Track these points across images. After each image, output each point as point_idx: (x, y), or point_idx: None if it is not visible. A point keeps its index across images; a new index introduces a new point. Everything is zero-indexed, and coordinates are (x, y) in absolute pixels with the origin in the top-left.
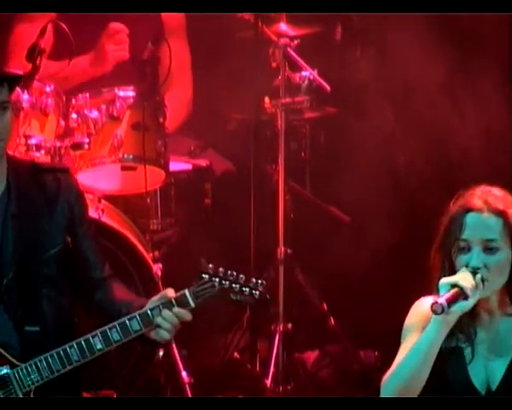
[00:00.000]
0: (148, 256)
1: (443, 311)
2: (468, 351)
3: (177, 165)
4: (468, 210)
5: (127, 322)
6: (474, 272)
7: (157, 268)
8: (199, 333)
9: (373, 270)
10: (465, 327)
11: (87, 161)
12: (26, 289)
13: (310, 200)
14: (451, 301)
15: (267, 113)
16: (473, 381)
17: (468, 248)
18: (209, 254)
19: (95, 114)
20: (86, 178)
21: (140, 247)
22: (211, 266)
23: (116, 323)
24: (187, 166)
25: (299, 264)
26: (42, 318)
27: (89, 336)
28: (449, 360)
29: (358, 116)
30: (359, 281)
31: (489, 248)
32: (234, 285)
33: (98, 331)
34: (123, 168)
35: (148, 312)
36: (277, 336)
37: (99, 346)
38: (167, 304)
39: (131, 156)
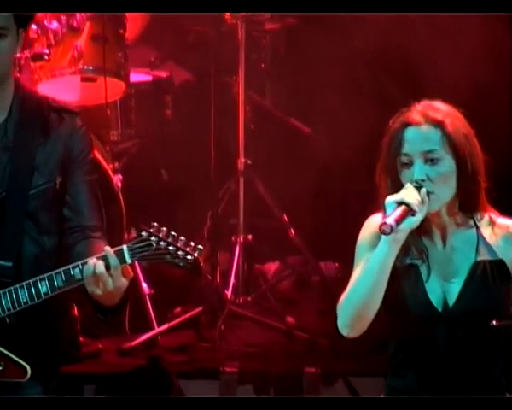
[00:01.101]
0: (109, 167)
1: (392, 231)
2: (423, 268)
3: (138, 76)
4: (407, 125)
5: (71, 270)
6: (418, 187)
7: (117, 179)
8: None
9: (332, 181)
10: (418, 244)
11: (47, 72)
12: (5, 223)
13: (270, 111)
14: (399, 220)
15: (227, 24)
16: (430, 297)
17: (410, 163)
18: (168, 165)
19: (55, 25)
20: (46, 89)
21: (101, 158)
22: (155, 224)
23: (61, 269)
24: (147, 78)
25: (259, 175)
26: (18, 254)
27: (37, 278)
28: (405, 277)
29: (318, 27)
30: (319, 192)
31: (430, 160)
32: (170, 247)
33: (45, 275)
34: (83, 79)
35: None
36: (238, 248)
37: (44, 290)
38: (101, 258)
39: (91, 68)
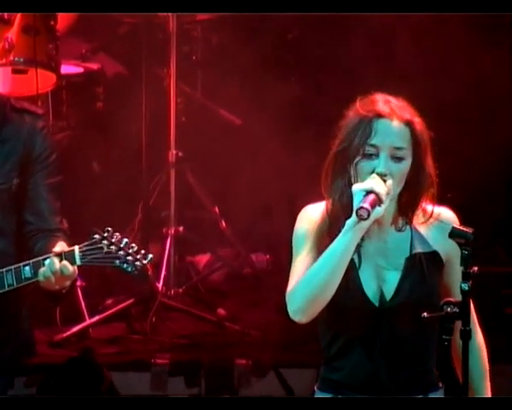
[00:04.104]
0: None
1: (369, 215)
2: (357, 260)
3: (69, 68)
4: (378, 115)
5: (21, 267)
6: (384, 179)
7: None
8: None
9: (263, 173)
10: None
11: None
12: None
13: (201, 103)
14: (373, 206)
15: (159, 16)
16: (365, 291)
17: (375, 155)
18: (100, 157)
19: None
20: None
21: None
22: (109, 229)
23: (13, 267)
24: (78, 70)
25: (190, 167)
26: None
27: (4, 270)
28: None
29: (249, 19)
30: (250, 184)
31: (396, 157)
32: (120, 252)
33: (13, 267)
34: (14, 71)
35: (42, 261)
36: (169, 239)
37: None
38: (57, 256)
39: (22, 59)
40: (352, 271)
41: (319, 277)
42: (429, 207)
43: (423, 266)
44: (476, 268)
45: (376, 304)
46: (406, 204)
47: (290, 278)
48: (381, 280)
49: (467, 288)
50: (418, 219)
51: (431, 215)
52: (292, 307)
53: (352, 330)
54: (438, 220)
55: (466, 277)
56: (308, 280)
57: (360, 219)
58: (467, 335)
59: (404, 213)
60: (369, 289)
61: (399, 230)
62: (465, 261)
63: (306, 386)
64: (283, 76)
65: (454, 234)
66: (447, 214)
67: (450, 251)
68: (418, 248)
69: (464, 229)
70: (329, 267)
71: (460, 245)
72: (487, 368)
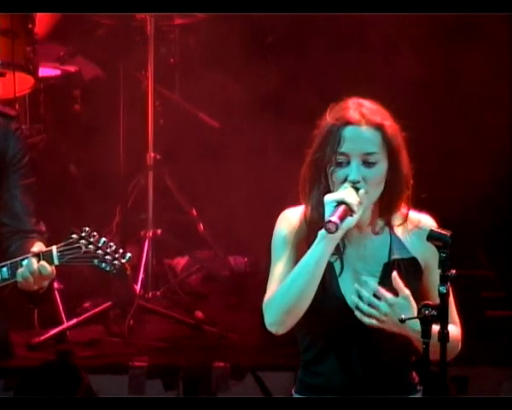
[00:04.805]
0: None
1: (337, 229)
2: (337, 265)
3: (47, 71)
4: (346, 123)
5: None
6: (356, 188)
7: None
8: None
9: (242, 175)
10: None
11: None
12: None
13: (179, 105)
14: (342, 219)
15: (136, 18)
16: (343, 295)
17: (346, 162)
18: (77, 160)
19: None
20: None
21: None
22: (87, 229)
23: None
24: (56, 72)
25: (168, 170)
26: None
27: None
28: None
29: (227, 22)
30: (229, 187)
31: (368, 162)
32: (98, 251)
33: None
34: None
35: (19, 262)
36: (147, 242)
37: None
38: (35, 256)
39: (0, 62)
40: (331, 276)
41: (293, 290)
42: (411, 214)
43: (401, 272)
44: (454, 271)
45: (354, 310)
46: (385, 207)
47: (268, 285)
48: (360, 286)
49: (445, 290)
50: (398, 225)
51: (406, 218)
52: (268, 319)
53: (329, 334)
54: (417, 227)
55: (444, 279)
56: (282, 293)
57: (328, 232)
58: (445, 337)
59: (382, 215)
60: (348, 294)
61: (377, 233)
62: (443, 264)
63: (284, 389)
64: (262, 78)
65: (432, 237)
66: (427, 221)
67: (429, 257)
68: (396, 254)
69: (442, 232)
70: (303, 279)
71: (438, 248)
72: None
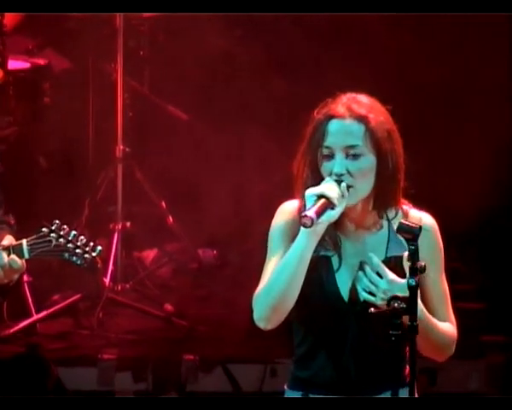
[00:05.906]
0: None
1: (312, 223)
2: (335, 260)
3: (16, 63)
4: (331, 117)
5: None
6: (338, 181)
7: None
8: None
9: (211, 168)
10: (333, 236)
11: None
12: None
13: (148, 98)
14: (319, 212)
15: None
16: (340, 290)
17: (331, 156)
18: (47, 153)
19: None
20: None
21: None
22: (57, 222)
23: None
24: (25, 65)
25: (137, 162)
26: None
27: None
28: (316, 268)
29: (197, 15)
30: (198, 179)
31: (352, 155)
32: (69, 245)
33: None
34: None
35: None
36: (116, 235)
37: None
38: (5, 250)
39: None
40: (328, 272)
41: (277, 286)
42: (412, 211)
43: (398, 269)
44: (423, 263)
45: (349, 305)
46: (377, 201)
47: (261, 279)
48: (356, 281)
49: (414, 283)
50: (396, 219)
51: (406, 216)
52: (255, 315)
53: (324, 329)
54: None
55: (413, 272)
56: (268, 289)
57: (304, 226)
58: (414, 330)
59: (375, 209)
60: (344, 290)
61: (375, 229)
62: (412, 257)
63: (253, 382)
64: (232, 71)
65: (401, 229)
66: (427, 220)
67: (426, 255)
68: (394, 251)
69: (411, 224)
70: (286, 275)
71: (407, 240)
72: (445, 339)
